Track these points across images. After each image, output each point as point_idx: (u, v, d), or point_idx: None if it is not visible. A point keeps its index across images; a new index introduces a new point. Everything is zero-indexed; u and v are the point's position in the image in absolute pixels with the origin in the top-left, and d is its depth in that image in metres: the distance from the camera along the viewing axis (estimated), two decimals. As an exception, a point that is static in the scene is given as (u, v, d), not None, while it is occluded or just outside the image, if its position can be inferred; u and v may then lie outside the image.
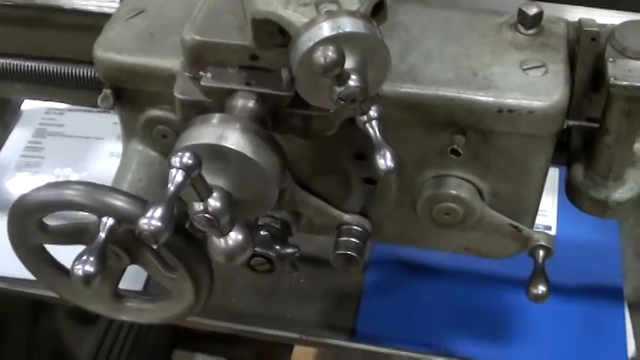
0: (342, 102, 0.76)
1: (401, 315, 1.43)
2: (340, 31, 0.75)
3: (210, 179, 0.83)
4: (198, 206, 0.81)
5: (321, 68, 0.73)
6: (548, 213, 1.54)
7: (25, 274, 1.47)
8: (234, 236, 0.83)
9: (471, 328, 1.40)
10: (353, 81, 0.75)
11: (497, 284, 1.45)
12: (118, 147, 1.67)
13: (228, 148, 0.82)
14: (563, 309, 1.42)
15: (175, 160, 0.78)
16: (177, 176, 0.78)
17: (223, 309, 1.44)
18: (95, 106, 1.32)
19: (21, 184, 1.67)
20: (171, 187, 0.78)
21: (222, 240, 0.83)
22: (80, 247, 0.95)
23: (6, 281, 1.53)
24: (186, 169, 0.78)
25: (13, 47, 1.24)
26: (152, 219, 0.77)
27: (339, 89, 0.75)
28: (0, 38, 1.24)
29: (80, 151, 1.73)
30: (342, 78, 0.75)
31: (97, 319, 2.31)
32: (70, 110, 1.81)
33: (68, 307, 2.24)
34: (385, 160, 0.79)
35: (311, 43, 0.75)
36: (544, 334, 1.40)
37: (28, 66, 1.24)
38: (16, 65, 1.25)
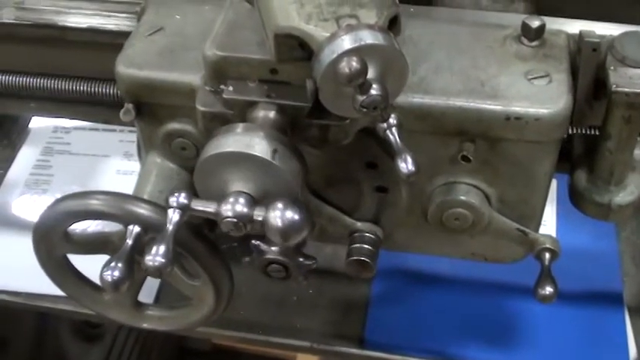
0: (365, 110, 0.80)
1: (408, 323, 1.46)
2: (361, 43, 0.79)
3: (235, 185, 0.87)
4: (226, 212, 0.85)
5: (346, 78, 0.77)
6: (547, 222, 1.57)
7: (31, 287, 1.51)
8: (291, 216, 0.85)
9: (476, 335, 1.44)
10: (374, 90, 0.79)
11: (501, 292, 1.48)
12: (124, 164, 1.72)
13: (254, 155, 0.86)
14: (566, 315, 1.46)
15: (172, 201, 0.88)
16: (174, 216, 0.88)
17: (233, 320, 1.47)
18: (108, 122, 1.36)
19: (31, 202, 1.70)
20: (170, 227, 0.88)
21: (278, 220, 0.85)
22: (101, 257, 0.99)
23: (13, 295, 1.56)
24: (182, 208, 0.88)
25: (32, 66, 1.26)
26: (156, 256, 0.86)
27: (361, 98, 0.79)
28: (18, 57, 1.26)
29: (87, 168, 1.76)
30: (364, 87, 0.79)
31: (102, 336, 2.34)
32: (76, 129, 1.83)
33: (73, 324, 2.28)
34: (407, 164, 0.83)
35: (334, 55, 0.79)
36: (548, 339, 1.43)
37: (42, 83, 1.27)
38: (30, 82, 1.27)
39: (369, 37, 0.79)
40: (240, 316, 1.48)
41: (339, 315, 1.49)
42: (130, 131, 1.72)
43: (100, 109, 1.30)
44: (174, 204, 0.89)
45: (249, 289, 1.47)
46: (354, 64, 0.77)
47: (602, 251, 1.55)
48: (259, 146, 0.86)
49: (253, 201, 0.87)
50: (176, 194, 0.89)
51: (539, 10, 1.25)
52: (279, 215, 0.85)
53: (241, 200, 0.86)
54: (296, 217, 0.85)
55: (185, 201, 0.88)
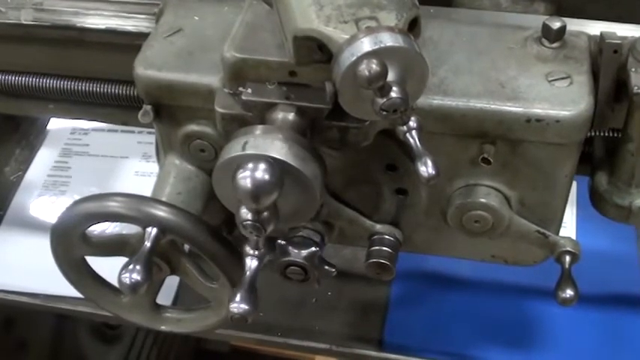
0: (385, 113, 0.79)
1: (427, 325, 1.46)
2: (381, 45, 0.79)
3: None
4: (246, 214, 0.84)
5: (366, 81, 0.77)
6: (567, 225, 1.56)
7: (49, 289, 1.52)
8: (261, 176, 0.82)
9: (496, 337, 1.43)
10: (395, 92, 0.78)
11: (520, 295, 1.48)
12: (142, 166, 1.72)
13: (273, 157, 0.85)
14: (585, 318, 1.45)
15: (249, 249, 0.91)
16: (252, 263, 0.91)
17: (251, 322, 1.46)
18: (126, 124, 1.36)
19: (49, 203, 1.71)
20: (249, 273, 0.91)
21: (248, 180, 0.81)
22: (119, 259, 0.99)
23: (31, 296, 1.57)
24: (261, 256, 0.91)
25: (50, 67, 1.27)
26: (240, 303, 0.90)
27: (381, 101, 0.79)
28: (37, 58, 1.26)
29: (106, 170, 1.77)
30: (384, 90, 0.78)
31: (120, 337, 2.34)
32: (94, 130, 1.84)
33: (91, 325, 2.29)
34: (427, 167, 0.83)
35: (354, 58, 0.78)
36: (567, 342, 1.43)
37: (60, 85, 1.27)
38: (48, 84, 1.28)
39: (388, 40, 0.79)
40: (259, 318, 1.47)
41: (358, 317, 1.49)
42: (149, 133, 1.72)
43: (118, 110, 1.30)
44: (251, 252, 0.91)
45: (267, 291, 1.45)
46: (374, 66, 0.76)
47: (622, 254, 1.55)
48: (279, 148, 0.86)
49: (273, 204, 0.86)
50: (254, 242, 0.91)
51: (560, 11, 1.24)
52: (249, 175, 0.82)
53: (261, 203, 0.85)
54: (266, 177, 0.82)
55: (263, 249, 0.91)
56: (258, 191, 0.82)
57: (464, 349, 1.42)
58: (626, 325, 1.45)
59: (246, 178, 0.82)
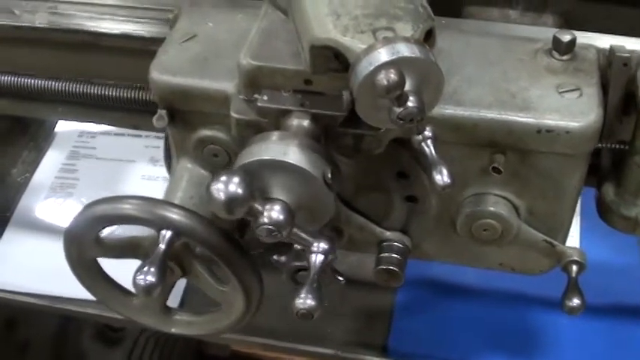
0: (401, 122, 0.80)
1: (432, 332, 1.47)
2: (398, 55, 0.80)
3: (270, 193, 0.88)
4: (262, 219, 0.85)
5: (384, 90, 0.78)
6: (572, 235, 1.57)
7: (54, 290, 1.53)
8: (234, 189, 0.83)
9: (501, 346, 1.44)
10: (411, 102, 0.79)
11: (525, 303, 1.49)
12: (149, 170, 1.73)
13: (289, 163, 0.87)
14: (590, 328, 1.46)
15: (315, 247, 0.92)
16: (317, 260, 0.93)
17: (257, 327, 1.47)
18: (137, 127, 1.36)
19: (56, 206, 1.71)
20: (314, 270, 0.92)
21: (221, 193, 0.83)
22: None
23: (38, 297, 1.57)
24: (325, 252, 0.92)
25: (63, 71, 1.27)
26: (306, 299, 0.90)
27: (398, 110, 0.80)
28: (51, 62, 1.27)
29: (113, 173, 1.77)
30: (401, 99, 0.79)
31: (122, 339, 2.34)
32: (102, 133, 1.85)
33: (94, 327, 2.29)
34: (442, 176, 0.84)
35: (372, 67, 0.79)
36: (572, 352, 1.43)
37: (71, 88, 1.28)
38: (60, 87, 1.28)
39: (405, 50, 0.80)
40: (265, 322, 1.48)
41: (363, 323, 1.50)
42: (156, 137, 1.73)
43: (128, 114, 1.30)
44: (316, 249, 0.93)
45: (273, 296, 1.47)
46: (392, 76, 0.77)
47: (626, 264, 1.55)
48: (294, 154, 0.87)
49: (288, 208, 0.87)
50: (317, 242, 0.93)
51: (568, 23, 1.25)
52: (222, 188, 0.83)
53: (277, 207, 0.86)
54: (239, 191, 0.83)
55: (326, 246, 0.92)
56: (231, 204, 0.84)
57: (469, 357, 1.43)
58: (630, 335, 1.46)
59: (219, 191, 0.83)
